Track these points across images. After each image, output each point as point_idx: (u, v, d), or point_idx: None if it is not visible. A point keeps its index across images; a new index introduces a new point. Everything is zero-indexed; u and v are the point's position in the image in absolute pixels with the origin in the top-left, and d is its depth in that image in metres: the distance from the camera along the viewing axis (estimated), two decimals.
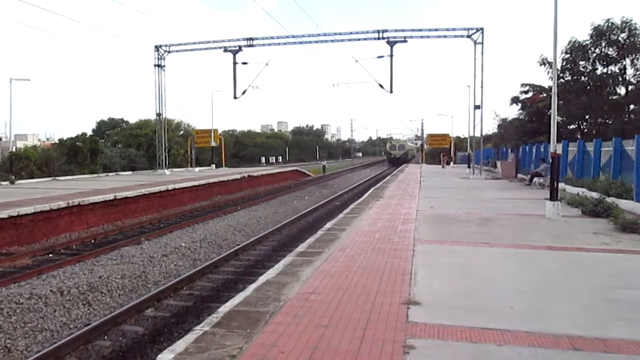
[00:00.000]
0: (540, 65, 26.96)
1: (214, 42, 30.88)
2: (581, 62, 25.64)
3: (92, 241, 14.27)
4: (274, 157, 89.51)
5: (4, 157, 36.12)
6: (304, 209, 21.45)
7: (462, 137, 67.82)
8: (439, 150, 58.16)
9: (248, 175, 31.02)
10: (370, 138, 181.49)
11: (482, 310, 5.28)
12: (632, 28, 24.06)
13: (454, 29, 28.32)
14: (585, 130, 28.00)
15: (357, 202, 16.73)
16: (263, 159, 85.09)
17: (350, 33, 29.38)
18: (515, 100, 32.44)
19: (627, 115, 25.71)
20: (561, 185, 15.93)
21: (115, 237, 14.99)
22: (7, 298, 8.54)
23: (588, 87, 25.59)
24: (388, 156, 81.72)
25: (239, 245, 13.45)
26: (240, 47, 29.96)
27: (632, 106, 25.78)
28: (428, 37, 28.37)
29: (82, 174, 31.24)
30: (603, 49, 24.86)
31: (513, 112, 42.55)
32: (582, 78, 25.96)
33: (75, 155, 36.31)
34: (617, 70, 25.28)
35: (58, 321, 8.05)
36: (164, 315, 8.43)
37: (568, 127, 28.38)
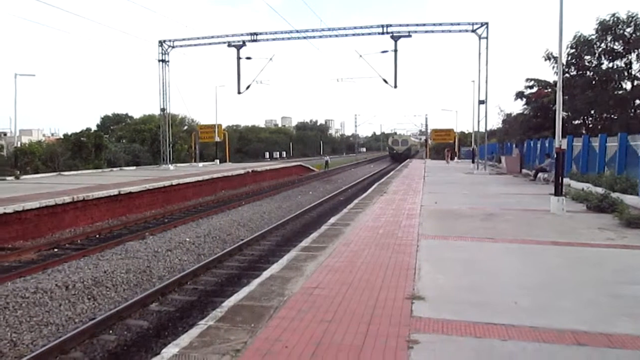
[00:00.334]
0: (545, 60, 26.81)
1: (218, 37, 30.86)
2: (586, 57, 25.47)
3: (97, 236, 14.32)
4: (277, 153, 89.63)
5: (9, 152, 36.28)
6: (308, 204, 21.46)
7: (466, 132, 67.65)
8: (443, 146, 58.09)
9: (252, 171, 31.04)
10: (374, 133, 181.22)
11: (486, 306, 5.27)
12: (638, 23, 23.84)
13: (458, 24, 28.20)
14: (591, 126, 27.84)
15: (361, 197, 16.72)
16: (267, 154, 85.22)
17: (355, 28, 29.32)
18: (519, 95, 32.27)
19: (632, 110, 25.54)
20: (566, 180, 15.87)
21: (120, 232, 15.05)
22: (12, 292, 8.59)
23: (593, 82, 25.41)
24: (390, 152, 79.31)
25: (243, 240, 13.48)
26: (244, 42, 29.94)
27: (637, 101, 25.61)
28: (432, 32, 28.25)
29: (86, 169, 31.35)
30: (609, 44, 24.68)
31: (518, 107, 42.38)
32: (588, 73, 25.78)
33: (79, 150, 36.42)
34: (623, 65, 25.08)
35: (63, 315, 8.09)
36: (168, 310, 8.46)
37: (573, 122, 28.21)
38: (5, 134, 64.38)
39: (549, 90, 29.17)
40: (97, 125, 62.03)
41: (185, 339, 4.45)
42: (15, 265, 11.03)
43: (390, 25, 28.14)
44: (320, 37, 29.82)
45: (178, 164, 37.24)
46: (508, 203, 14.28)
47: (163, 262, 11.39)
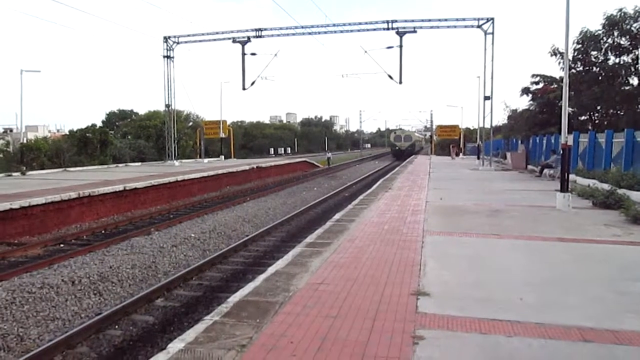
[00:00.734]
0: (551, 55, 26.67)
1: (222, 33, 30.84)
2: (593, 53, 25.31)
3: (103, 231, 14.38)
4: (282, 149, 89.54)
5: (15, 148, 36.42)
6: (313, 200, 21.46)
7: (471, 128, 67.48)
8: (448, 142, 57.89)
9: (257, 167, 31.08)
10: (379, 129, 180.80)
11: (492, 302, 5.26)
12: None
13: (464, 19, 28.10)
14: (597, 122, 27.69)
15: (366, 193, 16.71)
16: (272, 150, 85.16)
17: (360, 23, 29.25)
18: (525, 91, 32.13)
19: (639, 106, 25.39)
20: (572, 176, 15.81)
21: (126, 227, 15.10)
22: (19, 287, 8.63)
23: (600, 78, 25.25)
24: (392, 148, 72.00)
25: (248, 236, 13.50)
26: (249, 38, 29.91)
27: None
28: (438, 27, 28.17)
29: (92, 165, 31.45)
30: (615, 39, 24.50)
31: (523, 103, 42.24)
32: (594, 68, 25.63)
33: (85, 146, 36.55)
34: (630, 61, 24.91)
35: (69, 310, 8.13)
36: (174, 305, 8.49)
37: (579, 118, 28.07)
38: (11, 130, 64.65)
39: (555, 86, 29.02)
40: (103, 122, 62.12)
41: (190, 334, 4.46)
42: (21, 260, 11.09)
43: (396, 21, 28.06)
44: (325, 32, 29.80)
45: (183, 160, 37.31)
46: (513, 199, 14.24)
47: (168, 258, 11.42)
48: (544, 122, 29.13)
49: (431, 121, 78.44)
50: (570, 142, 13.86)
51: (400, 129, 78.07)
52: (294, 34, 30.22)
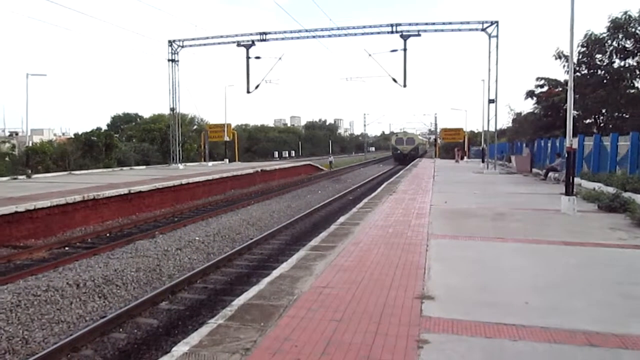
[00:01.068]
0: (556, 58, 26.61)
1: (227, 36, 30.92)
2: (598, 56, 25.24)
3: (107, 235, 14.42)
4: (287, 152, 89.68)
5: (21, 151, 36.56)
6: (317, 203, 21.46)
7: (476, 131, 67.40)
8: (453, 145, 57.88)
9: (261, 170, 31.10)
10: (384, 132, 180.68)
11: (497, 305, 5.24)
12: None
13: (468, 23, 28.05)
14: (602, 125, 27.61)
15: (370, 196, 16.70)
16: (276, 154, 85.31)
17: (364, 27, 29.26)
18: (530, 94, 32.07)
19: None
20: (577, 180, 15.77)
21: (130, 230, 15.13)
22: (24, 290, 8.66)
23: (605, 81, 25.18)
24: (393, 152, 67.01)
25: (252, 240, 13.51)
26: (253, 41, 29.97)
27: None
28: (442, 30, 28.13)
29: (97, 168, 31.54)
30: (620, 42, 24.45)
31: (528, 106, 42.22)
32: (599, 71, 25.56)
33: (90, 149, 36.64)
34: (635, 64, 24.83)
35: (74, 313, 8.15)
36: (178, 308, 8.50)
37: (584, 121, 28.00)
38: (17, 134, 64.93)
39: (560, 89, 28.97)
40: (108, 125, 62.47)
41: (195, 338, 4.46)
42: (27, 263, 11.13)
43: (400, 25, 28.06)
44: (330, 36, 29.79)
45: (187, 163, 37.37)
46: (518, 202, 14.19)
47: (173, 261, 11.44)
48: (549, 125, 29.06)
49: (435, 124, 78.28)
50: (575, 145, 13.79)
51: (403, 131, 72.48)
52: (298, 38, 30.25)
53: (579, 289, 5.91)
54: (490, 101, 28.52)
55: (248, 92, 30.88)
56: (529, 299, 5.43)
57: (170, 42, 31.96)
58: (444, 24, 28.14)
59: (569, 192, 12.00)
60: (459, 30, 28.09)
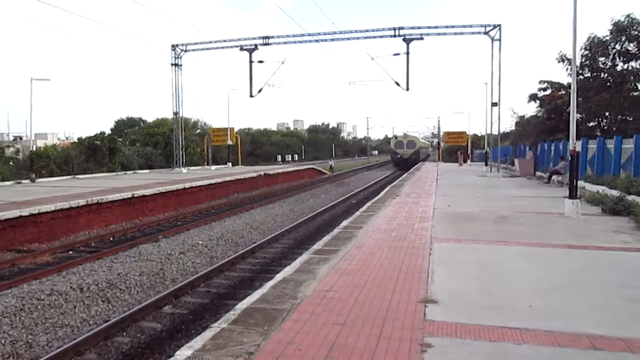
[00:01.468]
0: (559, 62, 26.62)
1: (230, 41, 31.04)
2: (601, 59, 25.23)
3: (111, 239, 14.44)
4: (290, 156, 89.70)
5: (25, 156, 36.68)
6: (320, 207, 21.45)
7: (479, 134, 67.37)
8: (456, 148, 57.79)
9: (264, 174, 31.12)
10: (386, 136, 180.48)
11: (501, 309, 5.23)
12: None
13: (470, 26, 28.11)
14: (605, 128, 27.56)
15: (373, 200, 16.69)
16: (279, 157, 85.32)
17: (366, 31, 29.34)
18: (533, 97, 32.07)
19: None
20: (580, 183, 15.72)
21: (134, 234, 15.15)
22: (28, 294, 8.67)
23: (608, 84, 25.16)
24: (393, 156, 61.88)
25: (255, 243, 13.51)
26: (256, 45, 30.08)
27: None
28: (444, 34, 28.21)
29: (100, 173, 31.62)
30: (623, 45, 24.45)
31: (531, 109, 42.12)
32: (602, 74, 25.54)
33: (94, 153, 36.76)
34: (638, 67, 24.81)
35: (78, 317, 8.16)
36: (181, 312, 8.50)
37: (587, 124, 27.95)
38: (21, 138, 65.11)
39: (563, 92, 28.96)
40: (111, 129, 62.57)
41: (198, 342, 4.46)
42: (30, 267, 11.16)
43: (402, 28, 28.12)
44: (332, 40, 29.92)
45: (191, 167, 37.44)
46: (522, 206, 14.17)
47: (176, 265, 11.45)
48: (552, 128, 29.04)
49: (438, 128, 78.19)
50: (578, 149, 13.79)
51: (403, 134, 66.11)
52: (301, 42, 30.36)
53: (582, 292, 5.90)
54: (494, 104, 28.54)
55: (251, 96, 30.99)
56: (533, 302, 5.42)
57: (174, 47, 32.11)
58: (446, 27, 28.21)
59: (572, 195, 11.98)
60: (462, 33, 28.17)
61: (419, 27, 28.18)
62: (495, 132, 30.31)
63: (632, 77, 24.69)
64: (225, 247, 13.58)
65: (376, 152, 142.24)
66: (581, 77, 25.16)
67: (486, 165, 35.34)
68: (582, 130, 23.81)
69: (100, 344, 7.10)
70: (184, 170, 32.93)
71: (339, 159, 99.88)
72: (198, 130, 58.73)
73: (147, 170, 35.49)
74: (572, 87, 12.60)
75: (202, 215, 18.98)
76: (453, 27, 28.22)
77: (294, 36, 30.16)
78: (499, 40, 27.39)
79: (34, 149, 37.39)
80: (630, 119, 25.42)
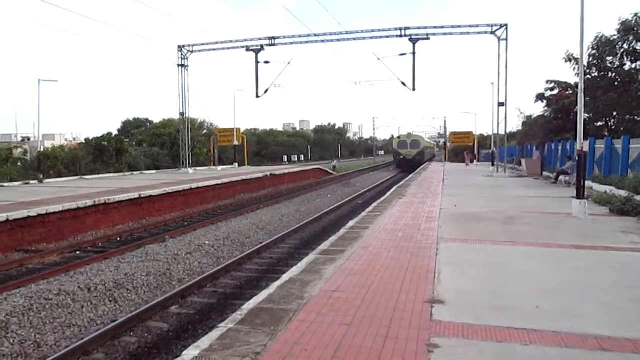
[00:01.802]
0: (566, 61, 26.49)
1: (236, 41, 31.10)
2: (608, 58, 25.08)
3: (118, 239, 14.50)
4: (296, 156, 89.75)
5: (33, 156, 36.90)
6: (327, 207, 21.45)
7: (485, 134, 67.12)
8: (463, 148, 57.63)
9: (270, 174, 31.15)
10: (392, 136, 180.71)
11: (508, 309, 5.22)
12: None
13: (477, 26, 28.03)
14: (613, 127, 27.42)
15: (379, 200, 16.68)
16: (285, 158, 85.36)
17: (373, 31, 29.30)
18: (540, 97, 31.94)
19: None
20: (588, 183, 15.64)
21: (140, 235, 15.21)
22: (36, 294, 8.72)
23: (616, 83, 25.02)
24: (396, 157, 58.19)
25: (262, 244, 13.52)
26: (262, 46, 30.11)
27: None
28: (451, 34, 28.13)
29: (107, 173, 31.74)
30: (631, 44, 24.28)
31: (538, 109, 41.93)
32: (610, 74, 25.39)
33: (101, 154, 36.92)
34: None
35: (85, 317, 8.20)
36: (188, 312, 8.52)
37: (595, 124, 27.82)
38: (29, 139, 65.50)
39: (570, 92, 28.83)
40: (118, 130, 62.79)
41: (205, 342, 4.48)
42: (39, 267, 11.23)
43: (409, 28, 28.08)
44: (338, 40, 29.92)
45: (197, 168, 37.52)
46: (529, 206, 14.12)
47: (183, 265, 11.48)
48: (559, 128, 28.93)
49: (445, 128, 77.92)
50: (586, 148, 13.72)
51: (407, 133, 61.61)
52: (307, 42, 30.36)
53: (590, 293, 5.87)
54: (500, 104, 28.44)
55: (257, 96, 31.03)
56: (540, 302, 5.40)
57: (180, 48, 32.19)
58: (453, 27, 28.14)
59: (580, 195, 11.92)
60: (468, 33, 28.09)
61: (425, 27, 28.13)
62: (502, 132, 30.21)
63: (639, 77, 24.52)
64: (231, 247, 13.61)
65: (382, 153, 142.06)
66: (589, 76, 25.02)
67: (493, 165, 35.22)
68: (589, 130, 23.70)
69: (107, 344, 7.13)
70: (191, 170, 33.00)
71: (345, 159, 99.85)
72: (204, 131, 58.86)
73: (154, 171, 35.60)
74: (579, 86, 12.54)
75: (208, 216, 19.03)
76: (459, 27, 28.15)
77: (300, 36, 30.18)
78: (506, 39, 27.30)
79: (42, 149, 37.62)
80: (639, 119, 25.28)
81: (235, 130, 42.71)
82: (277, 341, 4.44)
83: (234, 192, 25.15)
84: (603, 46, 24.68)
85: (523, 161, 33.13)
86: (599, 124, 28.37)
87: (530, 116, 35.49)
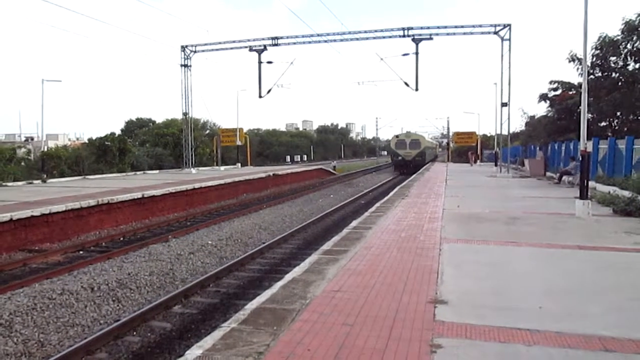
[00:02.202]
0: (570, 61, 26.43)
1: (239, 41, 31.10)
2: (612, 58, 25.01)
3: (121, 239, 14.53)
4: (298, 156, 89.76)
5: (36, 156, 37.02)
6: (329, 207, 21.45)
7: (488, 135, 67.01)
8: (465, 149, 57.55)
9: (273, 174, 31.16)
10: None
11: (511, 310, 5.21)
12: None
13: (480, 26, 27.99)
14: (617, 128, 27.33)
15: (382, 200, 16.66)
16: (288, 158, 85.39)
17: (375, 31, 29.26)
18: (543, 97, 31.84)
19: None
20: (591, 183, 15.59)
21: (144, 234, 15.24)
22: (40, 294, 8.75)
23: (619, 84, 24.96)
24: (393, 159, 52.73)
25: (264, 244, 13.53)
26: (265, 46, 30.11)
27: None
28: (454, 34, 28.09)
29: (111, 173, 31.82)
30: (635, 44, 24.21)
31: (541, 109, 41.81)
32: (613, 74, 25.33)
33: (104, 154, 37.02)
34: None
35: (89, 317, 8.22)
36: (191, 312, 8.53)
37: (599, 124, 27.73)
38: (32, 139, 65.82)
39: (574, 92, 28.74)
40: (122, 130, 62.89)
41: (208, 341, 4.48)
42: (42, 266, 11.26)
43: (412, 28, 28.05)
44: (341, 40, 29.91)
45: (200, 168, 37.58)
46: (532, 206, 14.09)
47: (186, 265, 11.50)
48: (563, 128, 28.84)
49: (448, 128, 77.71)
50: (589, 149, 13.67)
51: (406, 132, 56.89)
52: (310, 42, 30.36)
53: (594, 293, 5.86)
54: (503, 104, 28.42)
55: (260, 96, 31.03)
56: (543, 303, 5.39)
57: (183, 48, 32.22)
58: (456, 27, 28.09)
59: (583, 195, 11.90)
60: (471, 33, 28.05)
61: (428, 27, 28.09)
62: (505, 132, 30.17)
63: None
64: (234, 247, 13.62)
65: (385, 153, 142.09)
66: (592, 77, 24.96)
67: (496, 165, 35.18)
68: (593, 131, 23.61)
69: (110, 343, 7.14)
70: (194, 170, 33.04)
71: (348, 160, 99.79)
72: (207, 131, 58.97)
73: (157, 171, 35.65)
74: (583, 87, 12.51)
75: (211, 216, 19.05)
76: (462, 27, 28.10)
77: (302, 37, 30.18)
78: (509, 40, 27.27)
79: (45, 149, 37.64)
80: None
81: (238, 130, 42.71)
82: (279, 341, 4.44)
83: (236, 192, 25.17)
84: (607, 46, 24.61)
85: (526, 161, 33.11)
86: (603, 124, 28.28)
87: (534, 116, 35.40)
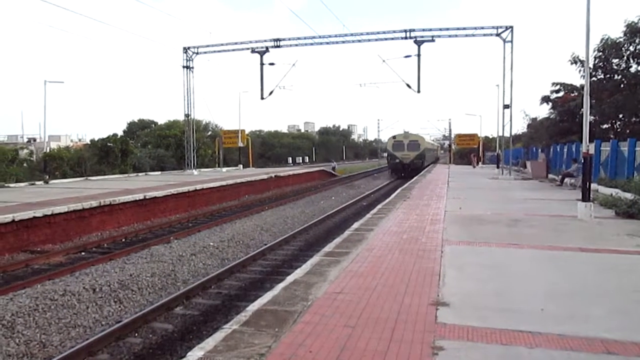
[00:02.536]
0: (572, 63, 26.40)
1: (241, 43, 31.17)
2: (614, 60, 24.98)
3: (123, 240, 14.54)
4: (300, 158, 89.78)
5: (39, 157, 37.08)
6: (331, 209, 21.45)
7: (490, 136, 66.98)
8: (467, 151, 57.55)
9: (275, 176, 31.17)
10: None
11: (513, 312, 5.20)
12: None
13: (482, 28, 27.99)
14: (619, 130, 27.30)
15: (384, 202, 16.65)
16: (290, 159, 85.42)
17: (377, 33, 29.27)
18: (545, 99, 31.84)
19: None
20: (593, 185, 15.59)
21: (145, 236, 15.25)
22: (42, 295, 8.76)
23: (622, 86, 24.91)
24: (390, 161, 47.83)
25: (266, 245, 13.54)
26: (267, 48, 30.16)
27: None
28: (456, 36, 28.08)
29: (113, 174, 31.87)
30: (637, 46, 24.18)
31: (543, 111, 41.85)
32: (616, 76, 25.29)
33: (106, 155, 37.07)
34: None
35: (91, 318, 8.23)
36: (193, 314, 8.54)
37: (601, 126, 27.71)
38: (34, 140, 65.84)
39: (576, 94, 28.74)
40: (124, 131, 62.98)
41: (210, 343, 4.48)
42: (44, 268, 11.27)
43: (414, 30, 28.05)
44: (343, 42, 29.90)
45: (202, 169, 37.61)
46: (534, 209, 14.07)
47: (187, 266, 11.50)
48: (565, 130, 28.83)
49: (450, 130, 77.63)
50: (591, 151, 13.66)
51: (404, 132, 50.82)
52: (312, 44, 30.38)
53: (595, 296, 5.84)
54: (505, 106, 28.42)
55: (262, 98, 31.07)
56: (545, 305, 5.38)
57: (185, 49, 32.27)
58: (458, 29, 28.09)
59: (585, 198, 11.88)
60: (473, 35, 28.03)
61: (430, 29, 28.08)
62: (507, 134, 30.16)
63: None
64: (236, 248, 13.63)
65: (386, 155, 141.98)
66: (594, 79, 24.92)
67: (498, 167, 35.15)
68: (595, 133, 23.59)
69: (112, 345, 7.15)
70: (195, 172, 33.06)
71: (349, 161, 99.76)
72: (209, 132, 59.02)
73: (159, 172, 35.70)
74: (585, 89, 12.49)
75: (213, 217, 19.07)
76: (464, 28, 28.10)
77: (304, 38, 30.20)
78: (511, 41, 27.27)
79: (48, 150, 37.75)
80: None
81: (240, 131, 42.75)
82: (281, 343, 4.44)
83: (238, 193, 25.18)
84: (609, 48, 24.58)
85: (528, 163, 33.05)
86: (605, 126, 28.25)
87: (536, 118, 35.45)
